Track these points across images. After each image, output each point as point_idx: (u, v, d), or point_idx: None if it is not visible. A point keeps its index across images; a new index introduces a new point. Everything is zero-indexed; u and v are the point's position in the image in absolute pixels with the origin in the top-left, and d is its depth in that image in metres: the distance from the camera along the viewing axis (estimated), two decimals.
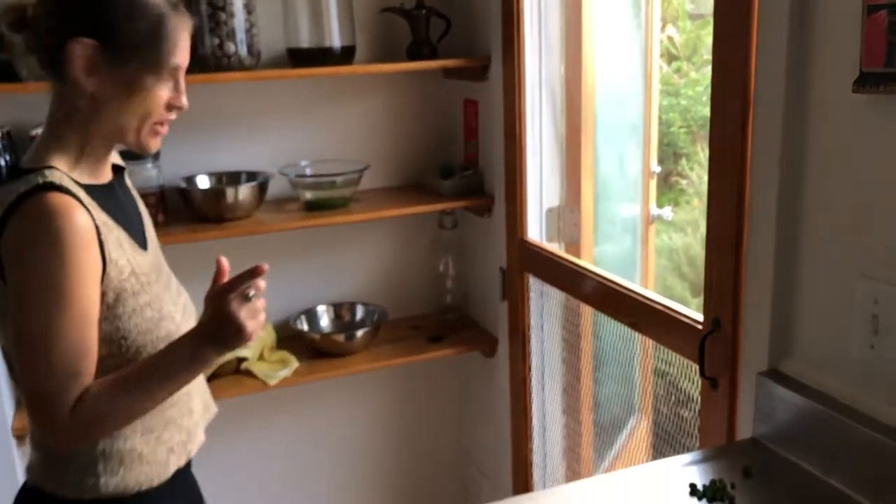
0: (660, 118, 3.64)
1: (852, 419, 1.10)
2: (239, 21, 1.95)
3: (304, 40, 2.06)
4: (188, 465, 1.31)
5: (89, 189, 1.16)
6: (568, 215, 2.08)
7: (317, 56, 2.05)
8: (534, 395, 2.16)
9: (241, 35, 1.96)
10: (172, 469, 1.25)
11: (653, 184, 2.28)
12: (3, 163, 1.84)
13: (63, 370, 1.08)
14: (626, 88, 2.13)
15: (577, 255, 2.05)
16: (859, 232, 1.09)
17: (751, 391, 1.27)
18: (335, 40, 2.05)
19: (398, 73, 2.24)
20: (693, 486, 1.13)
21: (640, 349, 1.94)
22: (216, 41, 1.95)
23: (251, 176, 2.13)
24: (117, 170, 1.29)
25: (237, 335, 1.12)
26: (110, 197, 1.21)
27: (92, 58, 1.10)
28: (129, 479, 1.20)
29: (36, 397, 1.09)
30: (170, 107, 1.18)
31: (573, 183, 2.07)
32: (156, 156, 2.00)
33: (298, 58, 2.06)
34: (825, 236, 1.15)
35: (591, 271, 1.79)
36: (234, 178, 2.14)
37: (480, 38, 2.13)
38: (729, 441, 1.34)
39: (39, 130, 1.85)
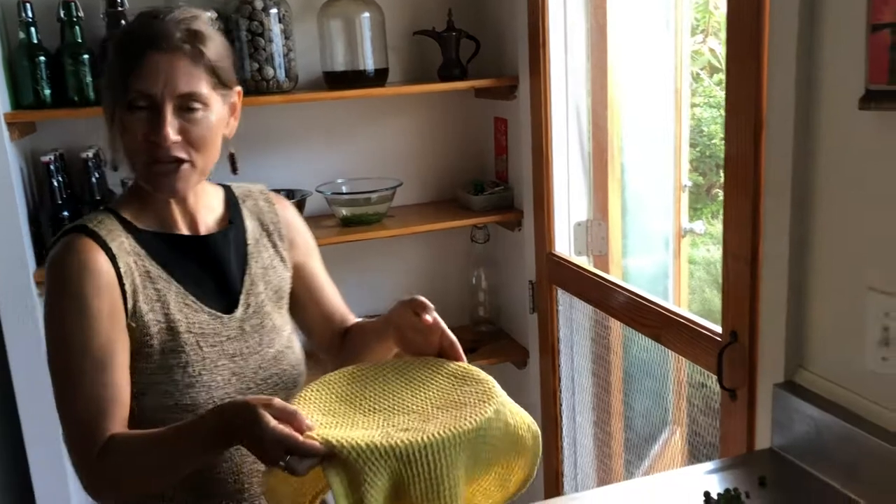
0: (701, 131, 3.65)
1: (866, 431, 1.12)
2: (277, 46, 2.05)
3: (339, 63, 2.14)
4: None
5: (148, 236, 1.13)
6: (595, 229, 2.12)
7: (351, 78, 2.13)
8: (564, 407, 2.20)
9: (279, 60, 2.05)
10: None
11: (685, 197, 2.31)
12: (56, 184, 1.96)
13: (83, 417, 1.05)
14: (655, 102, 2.17)
15: (605, 268, 2.09)
16: (868, 246, 1.12)
17: (768, 402, 1.29)
18: (369, 63, 2.13)
19: (430, 93, 2.31)
20: (707, 495, 1.16)
21: (673, 362, 1.97)
22: (255, 66, 2.04)
23: (290, 194, 2.21)
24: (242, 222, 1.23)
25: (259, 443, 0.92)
26: (180, 249, 1.15)
27: (103, 96, 1.12)
28: None
29: (67, 441, 1.07)
30: (148, 142, 1.06)
31: (600, 197, 2.11)
32: None
33: (334, 80, 2.15)
34: (836, 251, 1.18)
35: (615, 284, 1.83)
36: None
37: (508, 58, 2.19)
38: (748, 451, 1.36)
39: (90, 153, 1.97)
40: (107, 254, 1.08)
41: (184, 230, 1.17)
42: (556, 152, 2.05)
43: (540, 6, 1.96)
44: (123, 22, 1.94)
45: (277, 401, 0.94)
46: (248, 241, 1.23)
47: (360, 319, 1.35)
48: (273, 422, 0.91)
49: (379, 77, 2.15)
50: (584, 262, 2.11)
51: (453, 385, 1.04)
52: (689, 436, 1.91)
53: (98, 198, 1.99)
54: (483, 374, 1.06)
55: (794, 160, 1.20)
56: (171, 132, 1.05)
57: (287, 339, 1.25)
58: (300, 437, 0.91)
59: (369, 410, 1.02)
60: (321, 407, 1.03)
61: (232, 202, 1.26)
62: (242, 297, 1.19)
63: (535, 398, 2.26)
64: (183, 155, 1.08)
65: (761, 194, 1.28)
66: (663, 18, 2.09)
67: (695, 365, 1.56)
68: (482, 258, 2.45)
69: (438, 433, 0.91)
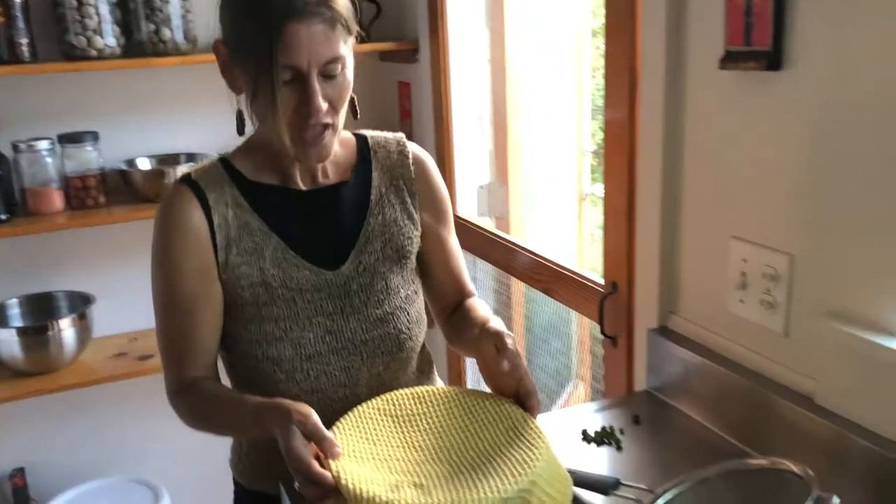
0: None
1: (727, 368, 1.21)
2: (174, 7, 2.02)
3: None
4: None
5: (256, 188, 1.13)
6: (497, 191, 2.18)
7: None
8: (468, 365, 2.27)
9: (176, 21, 2.02)
10: None
11: (587, 161, 2.40)
12: None
13: (168, 355, 1.14)
14: (556, 68, 2.23)
15: (507, 230, 2.16)
16: (729, 197, 1.20)
17: (644, 347, 1.38)
18: None
19: None
20: (584, 432, 1.24)
21: (576, 320, 2.06)
22: (152, 27, 2.01)
23: (190, 158, 2.19)
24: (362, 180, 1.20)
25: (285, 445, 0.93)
26: (291, 202, 1.15)
27: (223, 58, 1.09)
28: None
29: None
30: (298, 114, 1.05)
31: (500, 161, 2.17)
32: (95, 138, 2.06)
33: None
34: (702, 203, 1.26)
35: (513, 243, 1.90)
36: (174, 159, 2.20)
37: (410, 21, 2.22)
38: (628, 393, 1.46)
39: None
40: (203, 206, 1.10)
41: (301, 184, 1.16)
42: (456, 116, 2.10)
43: None
44: None
45: (314, 419, 0.93)
46: (372, 195, 1.19)
47: (474, 300, 1.28)
48: (297, 440, 0.90)
49: None
50: (487, 223, 2.17)
51: (507, 441, 0.96)
52: (592, 387, 2.00)
53: None
54: (539, 440, 0.95)
55: (665, 119, 1.27)
56: (321, 101, 1.04)
57: (402, 300, 1.19)
58: (314, 466, 0.89)
59: (409, 446, 0.98)
60: (368, 428, 1.00)
61: (363, 152, 1.22)
62: (354, 253, 1.16)
63: (442, 359, 2.32)
64: (329, 120, 1.07)
65: (637, 152, 1.36)
66: None
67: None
68: None
69: (438, 501, 0.85)
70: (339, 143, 1.19)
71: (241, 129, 1.14)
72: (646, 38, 1.29)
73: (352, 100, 1.13)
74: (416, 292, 1.23)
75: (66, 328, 2.04)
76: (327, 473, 0.89)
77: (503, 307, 2.22)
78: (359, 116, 1.16)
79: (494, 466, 0.91)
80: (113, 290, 2.23)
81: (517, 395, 1.02)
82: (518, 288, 2.21)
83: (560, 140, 2.32)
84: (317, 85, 1.03)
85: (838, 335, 1.02)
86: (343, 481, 0.88)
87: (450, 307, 1.29)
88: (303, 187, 1.16)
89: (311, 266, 1.13)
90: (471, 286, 1.31)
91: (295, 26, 1.00)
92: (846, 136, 1.00)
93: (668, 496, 0.98)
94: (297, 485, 0.90)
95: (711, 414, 1.24)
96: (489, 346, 1.02)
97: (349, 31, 1.07)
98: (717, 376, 1.23)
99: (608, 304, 1.45)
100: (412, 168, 1.23)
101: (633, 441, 1.22)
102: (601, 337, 1.50)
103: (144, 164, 2.18)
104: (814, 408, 1.07)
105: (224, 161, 1.16)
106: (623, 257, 1.41)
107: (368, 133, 1.25)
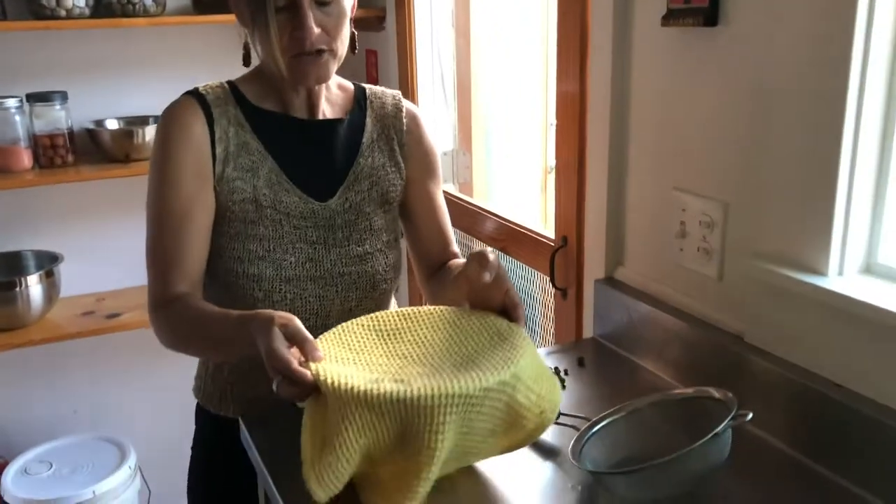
0: None
1: (665, 312, 1.28)
2: None
3: None
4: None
5: (258, 112, 1.19)
6: (460, 158, 2.23)
7: (221, 4, 2.14)
8: None
9: None
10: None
11: (552, 134, 2.45)
12: None
13: (157, 267, 1.15)
14: (521, 41, 2.28)
15: (470, 195, 2.21)
16: (671, 150, 1.27)
17: (591, 297, 1.45)
18: None
19: None
20: None
21: (538, 282, 2.11)
22: None
23: (157, 119, 2.22)
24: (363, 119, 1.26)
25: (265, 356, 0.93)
26: (288, 130, 1.21)
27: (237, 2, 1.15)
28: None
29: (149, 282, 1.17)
30: (293, 38, 1.11)
31: (465, 129, 2.23)
32: (64, 98, 2.08)
33: (203, 6, 2.16)
34: (647, 157, 1.32)
35: (474, 205, 1.95)
36: (142, 121, 2.23)
37: None
38: (576, 341, 1.52)
39: None
40: (207, 118, 1.15)
41: (300, 115, 1.22)
42: (421, 85, 2.15)
43: None
44: None
45: (296, 323, 0.94)
46: (364, 140, 1.26)
47: (459, 260, 1.32)
48: (278, 341, 0.91)
49: None
50: (451, 189, 2.23)
51: (491, 345, 0.97)
52: (542, 338, 2.06)
53: None
54: (521, 341, 0.98)
55: (612, 77, 1.33)
56: (314, 26, 1.10)
57: (383, 244, 1.25)
58: (294, 364, 0.89)
59: (394, 354, 0.99)
60: (351, 341, 1.01)
61: (360, 100, 1.29)
62: (342, 189, 1.22)
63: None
64: (324, 45, 1.12)
65: (587, 109, 1.42)
66: None
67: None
68: None
69: (418, 389, 0.86)
70: (339, 87, 1.28)
71: (247, 61, 1.21)
72: (595, 8, 1.35)
73: (352, 35, 1.20)
74: (396, 240, 1.29)
75: (33, 285, 2.07)
76: (307, 372, 0.89)
77: None
78: (357, 51, 1.23)
79: (477, 363, 0.93)
80: (81, 249, 2.26)
81: (503, 307, 1.03)
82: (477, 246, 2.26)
83: (525, 111, 2.38)
84: (308, 9, 1.09)
85: (762, 273, 1.09)
86: (322, 377, 0.88)
87: (434, 265, 1.32)
88: (302, 116, 1.22)
89: (300, 194, 1.19)
90: (455, 247, 1.35)
91: None
92: (774, 89, 1.06)
93: (602, 424, 1.05)
94: (275, 385, 0.90)
95: (652, 357, 1.31)
96: (474, 266, 1.01)
97: None
98: (657, 322, 1.29)
99: (559, 257, 1.51)
100: (405, 121, 1.29)
101: (577, 381, 1.29)
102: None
103: (113, 125, 2.21)
104: (743, 345, 1.14)
105: (231, 84, 1.22)
106: (573, 212, 1.47)
107: (368, 86, 1.32)
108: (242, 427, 1.15)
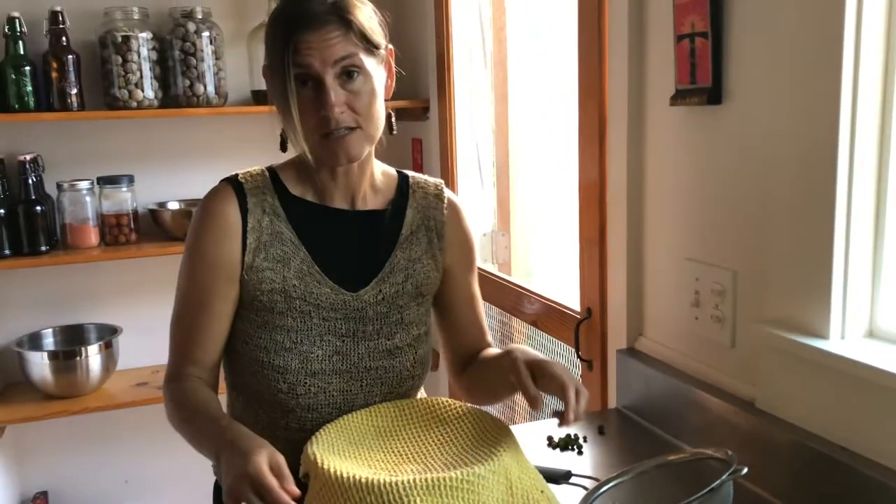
0: None
1: (685, 382, 1.30)
2: (208, 65, 2.23)
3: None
4: None
5: (295, 201, 1.18)
6: (499, 239, 2.31)
7: None
8: None
9: (209, 77, 2.24)
10: None
11: None
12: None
13: (174, 345, 1.17)
14: (558, 121, 2.37)
15: (509, 273, 2.27)
16: (682, 222, 1.32)
17: (615, 368, 1.47)
18: None
19: None
20: (550, 438, 1.33)
21: (567, 355, 2.13)
22: (187, 83, 2.22)
23: None
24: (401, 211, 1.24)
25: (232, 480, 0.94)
26: (326, 220, 1.19)
27: (267, 80, 1.16)
28: None
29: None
30: (319, 117, 1.09)
31: (503, 210, 2.31)
32: (130, 181, 2.26)
33: (261, 97, 2.33)
34: (661, 229, 1.38)
35: (508, 281, 2.01)
36: None
37: (422, 82, 2.40)
38: (600, 411, 1.54)
39: (28, 157, 2.12)
40: (241, 206, 1.15)
41: (339, 204, 1.20)
42: (461, 169, 2.25)
43: (445, 34, 2.18)
44: (65, 39, 2.12)
45: (281, 459, 0.96)
46: (403, 230, 1.22)
47: (494, 350, 1.29)
48: (265, 464, 0.93)
49: None
50: (491, 268, 2.29)
51: (478, 443, 1.06)
52: None
53: (33, 198, 2.13)
54: (508, 438, 1.05)
55: (628, 155, 1.40)
56: (337, 100, 1.08)
57: (414, 338, 1.22)
58: (276, 485, 0.91)
59: (389, 450, 1.06)
60: (352, 435, 1.09)
61: (402, 189, 1.26)
62: (376, 281, 1.19)
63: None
64: (351, 123, 1.10)
65: (606, 187, 1.48)
66: (562, 39, 2.30)
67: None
68: None
69: (395, 481, 0.92)
70: (382, 174, 1.26)
71: (283, 147, 1.19)
72: (612, 77, 1.44)
73: (388, 116, 1.20)
74: (426, 333, 1.26)
75: (92, 355, 2.20)
76: (289, 499, 0.91)
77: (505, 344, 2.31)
78: (395, 132, 1.26)
79: (464, 459, 1.01)
80: (139, 323, 2.39)
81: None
82: (517, 326, 2.30)
83: (564, 188, 2.45)
84: (331, 84, 1.08)
85: (770, 338, 1.11)
86: (319, 458, 0.98)
87: (467, 356, 1.31)
88: (342, 206, 1.20)
89: (332, 285, 1.16)
90: (489, 337, 1.33)
91: (307, 35, 1.07)
92: (774, 162, 1.11)
93: (610, 484, 1.07)
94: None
95: (669, 424, 1.32)
96: (558, 393, 1.05)
97: (370, 42, 1.12)
98: (673, 390, 1.31)
99: (583, 328, 1.55)
100: (445, 212, 1.26)
101: (595, 448, 1.31)
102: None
103: (174, 206, 2.37)
104: (754, 411, 1.15)
105: (271, 171, 1.21)
106: (596, 284, 1.52)
107: (411, 173, 1.31)
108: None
